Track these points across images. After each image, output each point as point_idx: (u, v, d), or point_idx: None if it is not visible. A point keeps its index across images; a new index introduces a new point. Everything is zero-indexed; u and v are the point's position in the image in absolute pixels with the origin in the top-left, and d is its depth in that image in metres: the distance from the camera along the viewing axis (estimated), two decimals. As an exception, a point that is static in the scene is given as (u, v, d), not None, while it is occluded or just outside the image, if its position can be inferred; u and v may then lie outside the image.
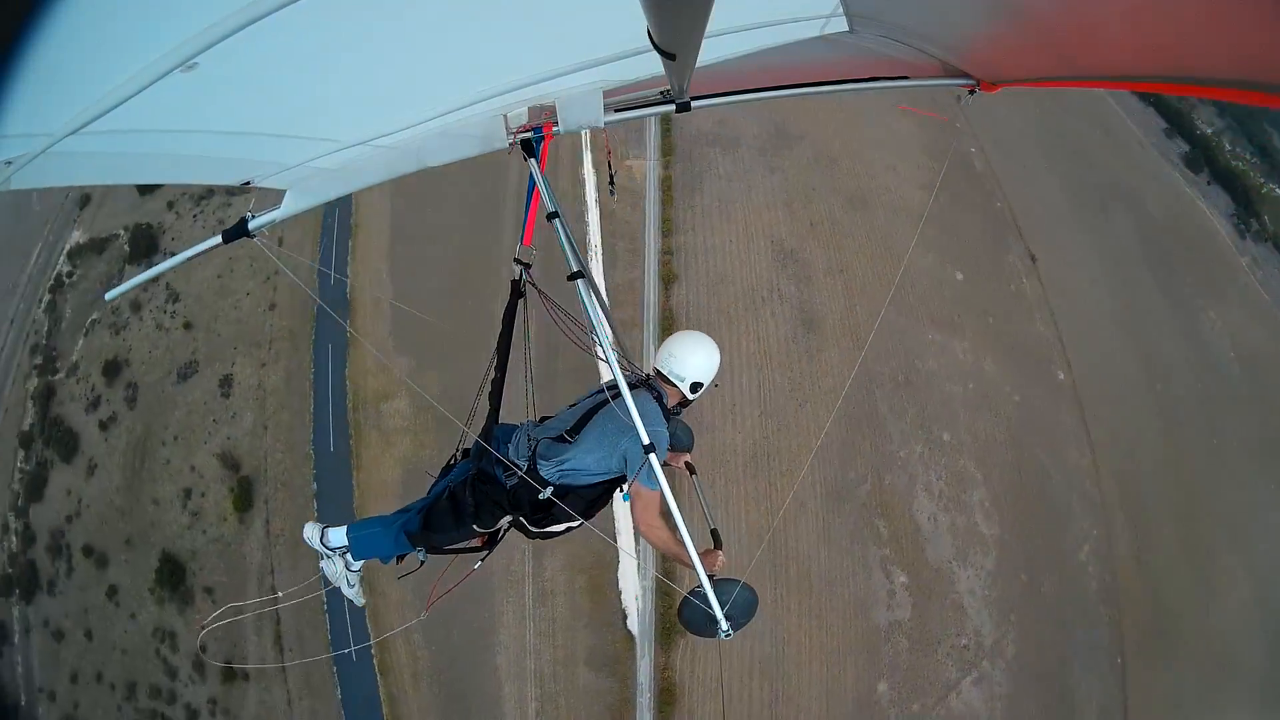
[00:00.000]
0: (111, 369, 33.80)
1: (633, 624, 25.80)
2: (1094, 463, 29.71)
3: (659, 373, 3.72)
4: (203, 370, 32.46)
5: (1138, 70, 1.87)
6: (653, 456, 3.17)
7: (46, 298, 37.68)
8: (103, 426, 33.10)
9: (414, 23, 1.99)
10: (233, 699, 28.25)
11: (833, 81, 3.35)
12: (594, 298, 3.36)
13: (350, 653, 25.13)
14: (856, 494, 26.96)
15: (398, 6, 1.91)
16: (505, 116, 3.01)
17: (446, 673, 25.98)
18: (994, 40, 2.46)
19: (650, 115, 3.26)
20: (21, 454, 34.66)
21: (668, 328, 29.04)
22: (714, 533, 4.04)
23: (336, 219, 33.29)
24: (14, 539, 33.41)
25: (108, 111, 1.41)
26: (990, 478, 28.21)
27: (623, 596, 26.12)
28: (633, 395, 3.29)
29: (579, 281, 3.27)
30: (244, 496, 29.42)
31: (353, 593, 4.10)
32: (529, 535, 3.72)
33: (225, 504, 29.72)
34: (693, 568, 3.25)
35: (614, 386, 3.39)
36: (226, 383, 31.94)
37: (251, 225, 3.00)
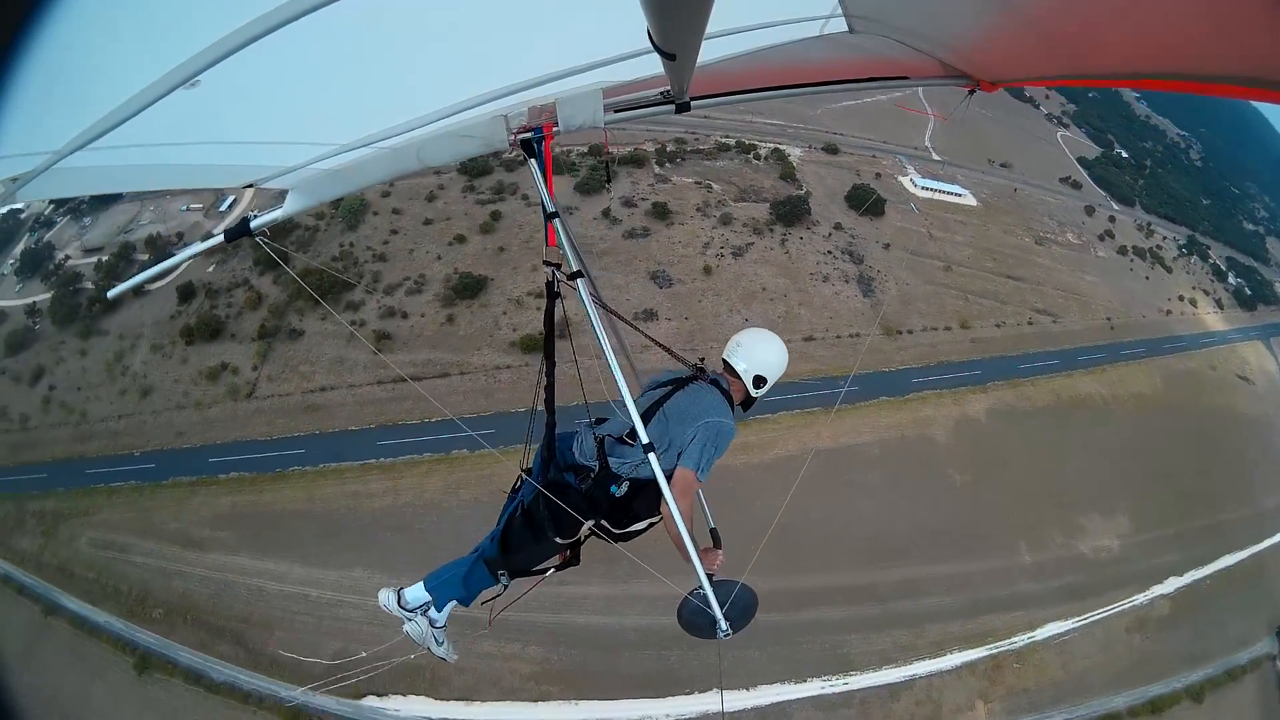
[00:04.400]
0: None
1: None
2: None
3: (726, 364, 3.61)
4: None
5: (1137, 68, 1.86)
6: (653, 457, 3.06)
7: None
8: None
9: (414, 23, 1.99)
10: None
11: (833, 82, 3.34)
12: (594, 297, 3.30)
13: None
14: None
15: (398, 7, 1.91)
16: (506, 117, 3.01)
17: None
18: (993, 39, 2.45)
19: (650, 115, 3.26)
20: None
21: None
22: (713, 532, 4.00)
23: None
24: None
25: (111, 129, 1.41)
26: None
27: None
28: (690, 387, 3.40)
29: (579, 281, 3.19)
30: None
31: (443, 650, 3.93)
32: (612, 539, 3.54)
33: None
34: (692, 565, 3.18)
35: (674, 380, 3.46)
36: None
37: (254, 225, 3.02)
